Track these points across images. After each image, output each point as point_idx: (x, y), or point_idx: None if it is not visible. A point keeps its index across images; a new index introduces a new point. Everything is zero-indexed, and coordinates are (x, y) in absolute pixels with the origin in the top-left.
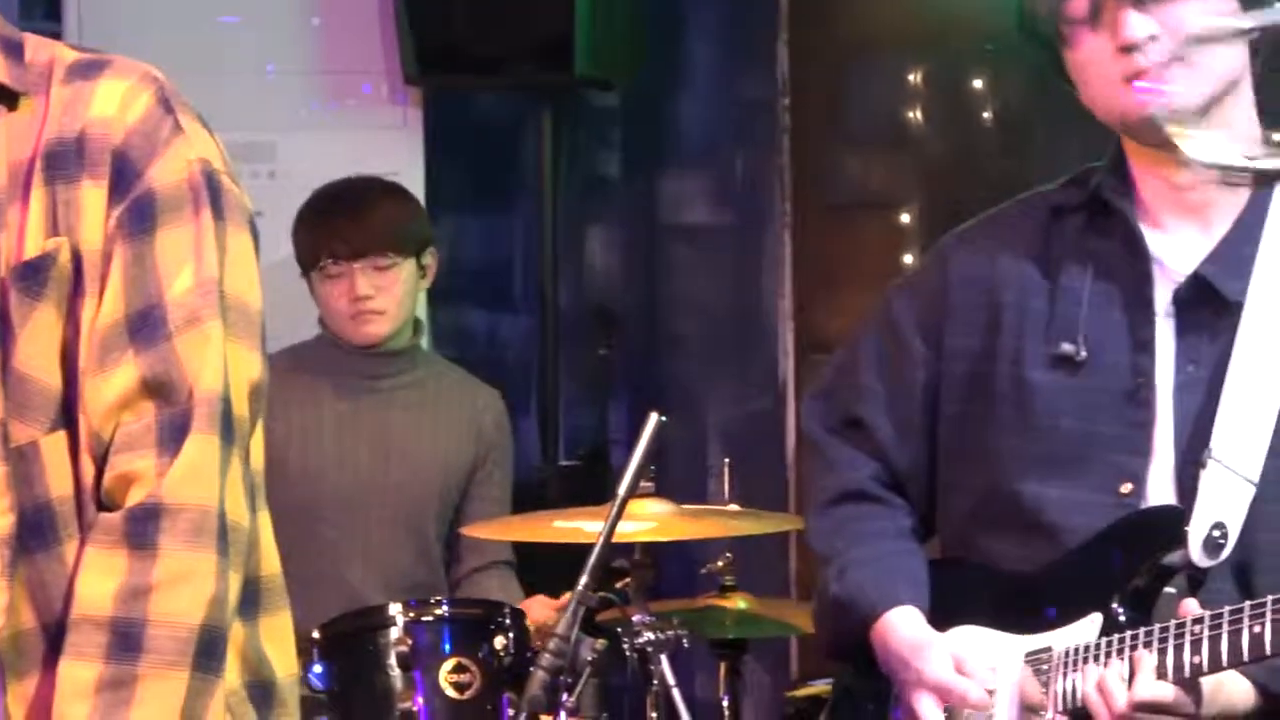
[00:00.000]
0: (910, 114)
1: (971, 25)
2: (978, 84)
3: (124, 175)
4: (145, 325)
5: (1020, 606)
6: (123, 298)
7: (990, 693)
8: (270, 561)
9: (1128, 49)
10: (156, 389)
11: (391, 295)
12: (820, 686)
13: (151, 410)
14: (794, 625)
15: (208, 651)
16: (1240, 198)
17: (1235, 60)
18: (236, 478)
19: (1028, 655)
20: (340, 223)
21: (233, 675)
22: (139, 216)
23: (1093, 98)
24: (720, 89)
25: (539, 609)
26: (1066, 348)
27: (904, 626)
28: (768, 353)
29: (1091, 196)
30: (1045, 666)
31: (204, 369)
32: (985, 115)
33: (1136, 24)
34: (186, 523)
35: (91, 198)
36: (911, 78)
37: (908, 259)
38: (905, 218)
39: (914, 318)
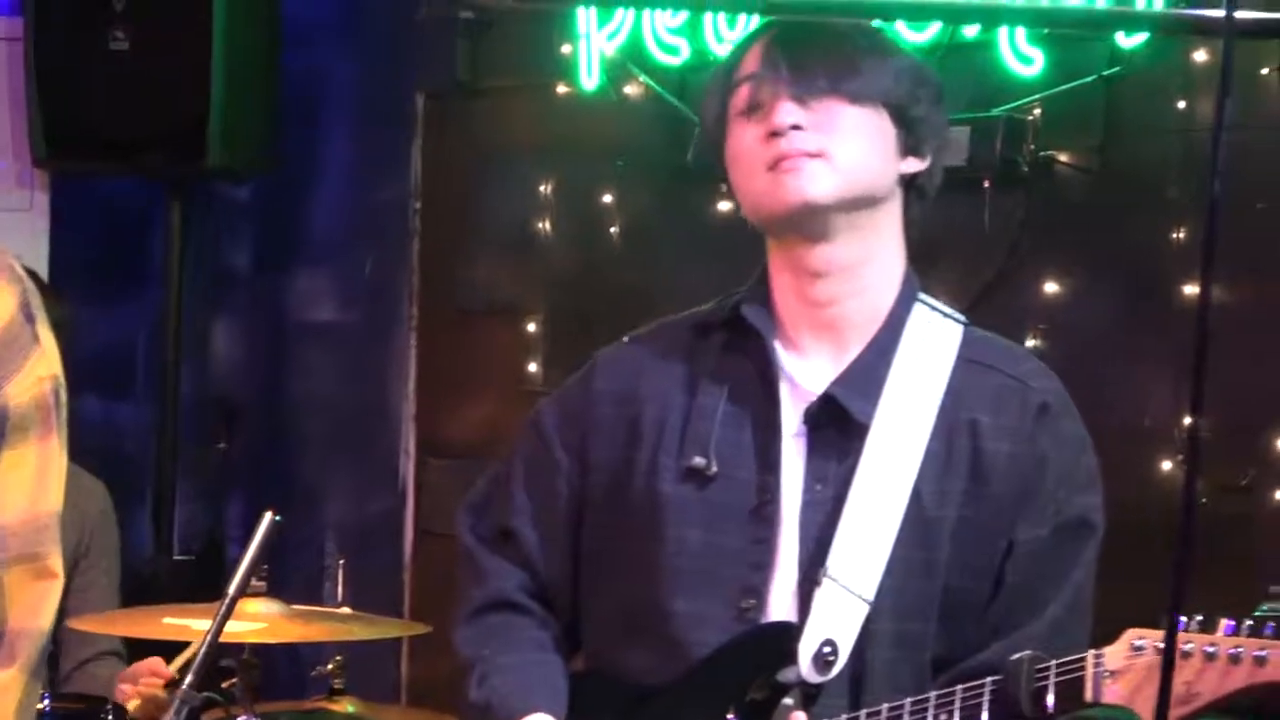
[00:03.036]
0: (540, 224)
1: (602, 140)
2: (606, 198)
3: None
4: None
5: (650, 718)
6: None
7: None
8: None
9: (774, 134)
10: None
11: None
12: None
13: None
14: None
15: None
16: (876, 320)
17: (881, 176)
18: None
19: None
20: None
21: None
22: None
23: (741, 191)
24: (353, 189)
25: (149, 671)
26: (698, 461)
27: None
28: (389, 454)
29: (732, 316)
30: None
31: (35, 609)
32: (613, 229)
33: (786, 111)
34: None
35: None
36: (542, 188)
37: (532, 367)
38: (531, 326)
39: (561, 431)
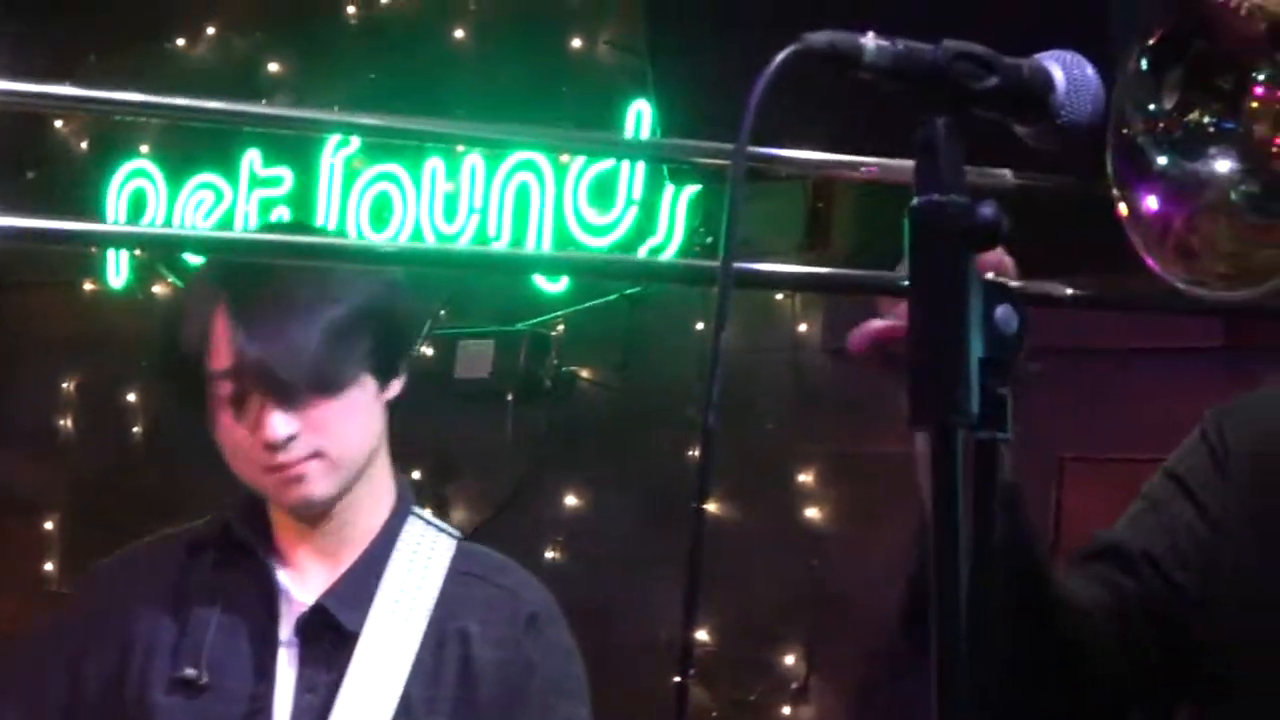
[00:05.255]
0: (61, 421)
1: (128, 339)
2: (130, 397)
3: None
4: None
5: None
6: None
7: None
8: None
9: (269, 446)
10: None
11: None
12: None
13: None
14: None
15: None
16: (369, 534)
17: (373, 437)
18: None
19: None
20: None
21: None
22: None
23: (237, 468)
24: None
25: None
26: (189, 672)
27: None
28: None
29: (224, 534)
30: None
31: None
32: (135, 429)
33: (279, 424)
34: None
35: None
36: (65, 385)
37: (49, 566)
38: (49, 524)
39: (53, 647)
